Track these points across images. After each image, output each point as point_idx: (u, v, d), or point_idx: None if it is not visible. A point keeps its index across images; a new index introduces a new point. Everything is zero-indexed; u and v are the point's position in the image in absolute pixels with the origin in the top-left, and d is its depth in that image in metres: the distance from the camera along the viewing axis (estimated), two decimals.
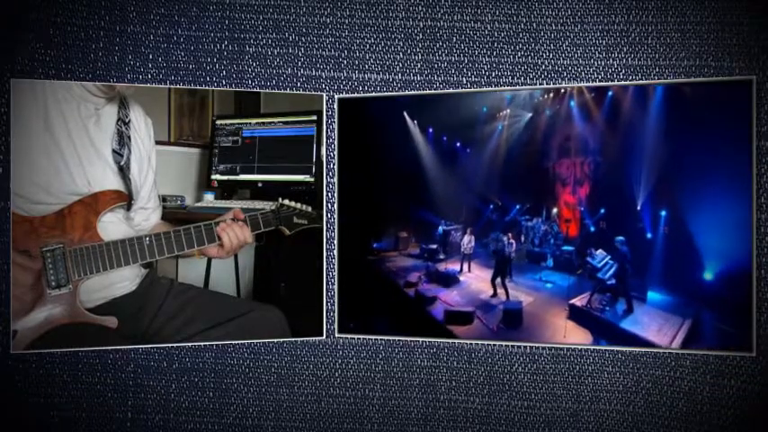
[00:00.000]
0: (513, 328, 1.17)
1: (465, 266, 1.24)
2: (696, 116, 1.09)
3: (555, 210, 1.19)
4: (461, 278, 1.24)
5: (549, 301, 1.18)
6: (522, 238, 1.22)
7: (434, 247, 1.25)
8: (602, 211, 1.15)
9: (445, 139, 1.20)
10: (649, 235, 1.11)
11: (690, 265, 1.09)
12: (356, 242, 1.22)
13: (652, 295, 1.12)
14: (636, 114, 1.12)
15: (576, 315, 1.15)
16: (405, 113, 1.20)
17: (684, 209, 1.09)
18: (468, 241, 1.23)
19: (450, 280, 1.24)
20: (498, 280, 1.21)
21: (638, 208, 1.11)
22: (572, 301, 1.16)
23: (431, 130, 1.20)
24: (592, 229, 1.16)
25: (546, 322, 1.16)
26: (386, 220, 1.24)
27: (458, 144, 1.20)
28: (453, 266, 1.25)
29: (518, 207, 1.20)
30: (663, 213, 1.10)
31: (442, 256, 1.25)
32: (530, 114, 1.17)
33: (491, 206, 1.21)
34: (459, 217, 1.23)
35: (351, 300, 1.21)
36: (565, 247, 1.20)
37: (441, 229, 1.23)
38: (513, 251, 1.21)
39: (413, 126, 1.20)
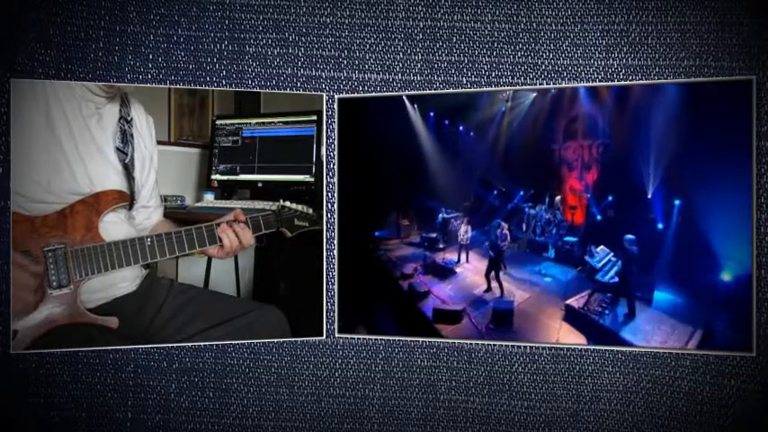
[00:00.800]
0: (503, 328, 1.13)
1: (463, 257, 1.22)
2: (700, 111, 1.06)
3: (559, 197, 1.13)
4: (458, 270, 1.22)
5: (544, 300, 1.14)
6: (524, 227, 1.17)
7: (434, 235, 1.22)
8: (610, 198, 1.09)
9: (447, 123, 1.17)
10: (660, 225, 1.04)
11: (703, 263, 1.02)
12: (356, 241, 1.21)
13: (659, 295, 1.06)
14: (646, 96, 1.08)
15: (572, 317, 1.11)
16: (404, 98, 1.18)
17: (699, 200, 1.02)
18: (465, 231, 1.21)
19: (445, 272, 1.21)
20: (492, 274, 1.17)
21: (649, 196, 1.05)
22: (569, 302, 1.12)
23: (431, 114, 1.18)
24: (598, 217, 1.10)
25: (539, 323, 1.12)
26: (387, 211, 1.22)
27: (460, 128, 1.17)
28: (452, 256, 1.21)
29: (522, 193, 1.16)
30: (677, 203, 1.03)
31: (441, 245, 1.22)
32: (534, 94, 1.13)
33: (494, 192, 1.17)
34: (461, 204, 1.19)
35: (351, 299, 1.21)
36: (567, 238, 1.14)
37: (440, 217, 1.20)
38: (507, 243, 1.17)
39: (413, 112, 1.18)
